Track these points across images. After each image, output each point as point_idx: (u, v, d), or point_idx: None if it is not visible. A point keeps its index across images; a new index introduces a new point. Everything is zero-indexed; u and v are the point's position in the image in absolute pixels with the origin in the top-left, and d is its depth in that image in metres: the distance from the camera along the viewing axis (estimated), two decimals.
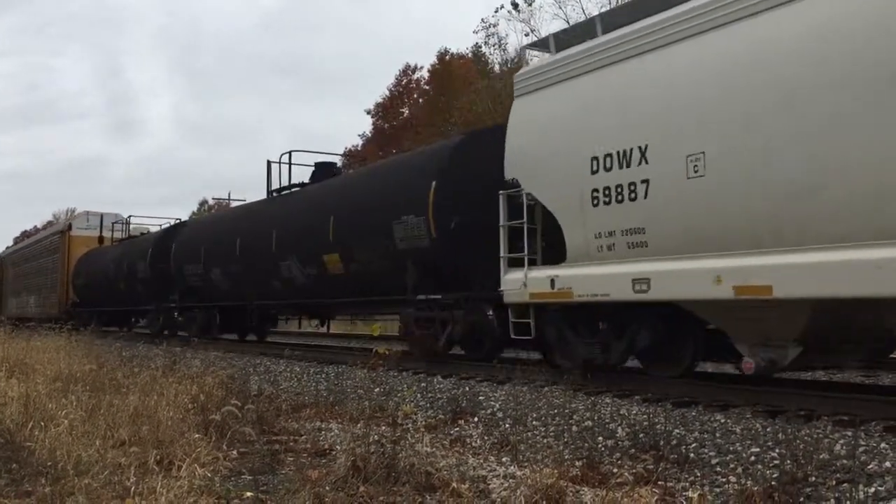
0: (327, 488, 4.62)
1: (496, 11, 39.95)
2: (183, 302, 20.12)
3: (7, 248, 61.31)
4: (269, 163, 17.19)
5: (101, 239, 29.89)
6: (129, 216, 29.57)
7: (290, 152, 16.93)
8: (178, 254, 19.95)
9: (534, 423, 6.84)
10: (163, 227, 24.48)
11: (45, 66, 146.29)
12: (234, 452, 5.70)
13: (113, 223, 29.70)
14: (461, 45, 69.23)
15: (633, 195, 7.48)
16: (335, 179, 15.70)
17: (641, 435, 5.96)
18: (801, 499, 4.44)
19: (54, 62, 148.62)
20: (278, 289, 15.36)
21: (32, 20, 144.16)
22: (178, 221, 23.97)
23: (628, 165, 7.54)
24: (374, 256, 12.06)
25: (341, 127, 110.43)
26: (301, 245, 14.15)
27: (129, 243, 25.57)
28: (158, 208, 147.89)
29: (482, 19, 50.59)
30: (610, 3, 37.20)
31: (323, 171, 16.42)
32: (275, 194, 17.04)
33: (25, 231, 79.27)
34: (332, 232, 13.08)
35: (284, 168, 16.87)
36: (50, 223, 69.80)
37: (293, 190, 16.49)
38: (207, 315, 19.07)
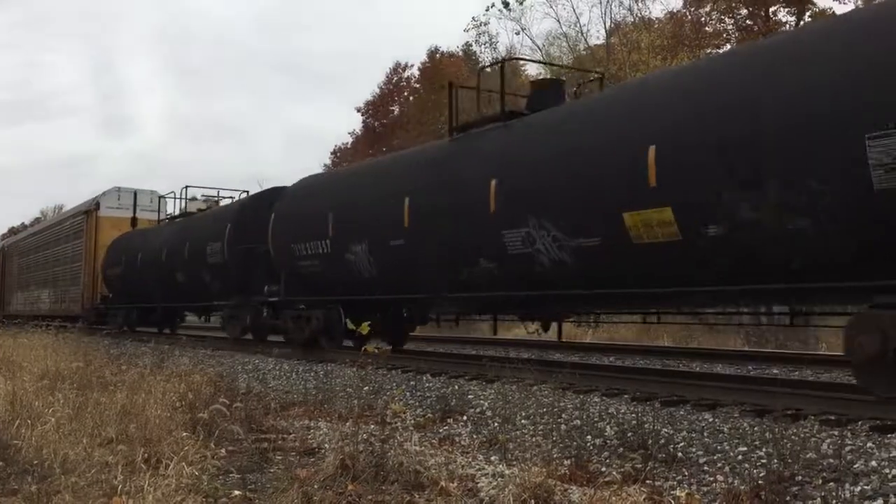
0: (316, 487, 4.60)
1: (487, 10, 39.91)
2: (291, 294, 14.30)
3: (4, 235, 59.55)
4: (450, 85, 12.76)
5: (133, 221, 25.11)
6: (186, 186, 22.95)
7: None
8: (282, 228, 14.32)
9: (522, 421, 6.85)
10: (240, 196, 19.47)
11: (37, 62, 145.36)
12: (223, 451, 5.67)
13: (152, 200, 25.24)
14: (452, 43, 69.11)
15: None
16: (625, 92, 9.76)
17: (630, 434, 5.97)
18: (788, 498, 4.46)
19: (46, 58, 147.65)
20: (492, 274, 9.90)
21: (24, 16, 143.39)
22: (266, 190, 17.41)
23: None
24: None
25: (335, 124, 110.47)
26: (568, 197, 8.72)
27: (190, 221, 20.44)
28: None
29: (473, 18, 50.55)
30: (601, 3, 37.30)
31: (550, 91, 10.92)
32: (473, 131, 11.07)
33: (12, 227, 78.55)
34: (653, 172, 7.63)
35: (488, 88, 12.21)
36: (37, 220, 68.98)
37: (530, 115, 10.26)
38: (328, 314, 13.18)
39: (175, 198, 23.11)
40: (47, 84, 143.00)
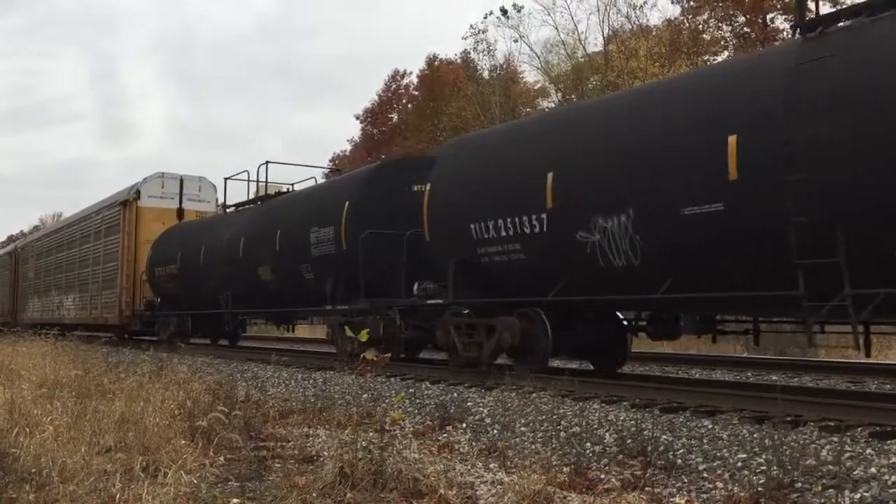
0: (314, 495, 4.59)
1: (485, 17, 40.10)
2: (463, 294, 10.32)
3: (3, 243, 57.51)
4: None
5: (180, 212, 21.77)
6: (267, 162, 18.12)
7: None
8: (447, 201, 10.51)
9: (522, 429, 6.84)
10: (331, 174, 16.65)
11: (37, 69, 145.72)
12: (221, 459, 5.66)
13: (201, 188, 22.04)
14: (451, 50, 69.29)
15: None
16: None
17: (629, 441, 5.97)
18: None
19: (46, 65, 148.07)
20: None
21: (24, 22, 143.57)
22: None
23: None
24: None
25: (335, 131, 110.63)
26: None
27: (281, 203, 16.25)
28: None
29: (471, 25, 50.69)
30: (599, 11, 37.39)
31: None
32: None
33: (11, 235, 78.50)
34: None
35: None
36: (36, 227, 68.81)
37: None
38: (527, 323, 9.31)
39: (247, 181, 18.23)
40: (47, 91, 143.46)
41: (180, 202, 21.85)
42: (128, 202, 21.92)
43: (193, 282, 17.98)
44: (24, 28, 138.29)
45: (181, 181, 21.90)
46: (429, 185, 10.90)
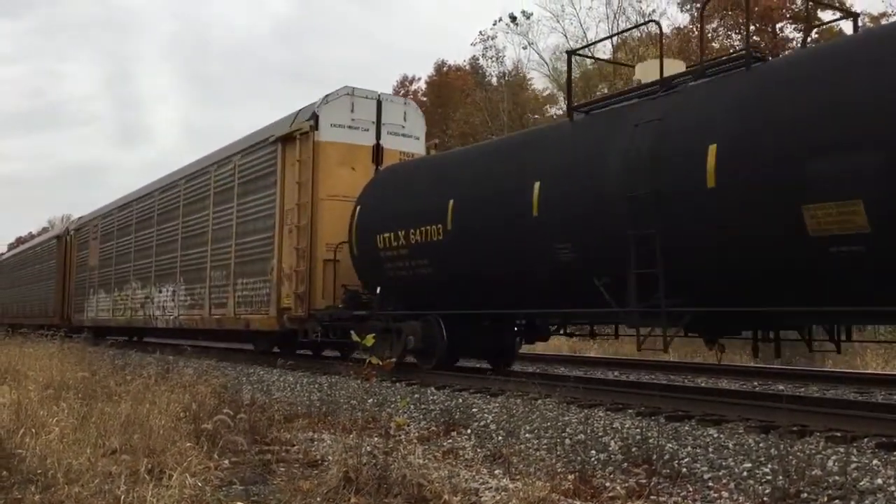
0: (319, 499, 4.60)
1: (494, 24, 40.19)
2: None
3: (11, 245, 54.99)
4: None
5: (377, 150, 13.90)
6: (572, 51, 14.91)
7: None
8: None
9: (527, 435, 6.83)
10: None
11: (53, 71, 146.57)
12: (226, 462, 5.68)
13: (407, 116, 14.41)
14: (459, 56, 69.36)
15: None
16: None
17: (634, 449, 5.96)
18: None
19: (62, 67, 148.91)
20: None
21: (40, 24, 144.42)
22: None
23: None
24: None
25: None
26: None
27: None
28: None
29: (480, 32, 50.86)
30: (608, 18, 37.44)
31: None
32: None
33: (20, 237, 78.71)
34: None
35: None
36: (45, 229, 68.63)
37: None
38: None
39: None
40: (63, 93, 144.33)
41: (377, 135, 14.06)
42: (295, 135, 13.83)
43: (469, 259, 10.04)
44: (42, 30, 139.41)
45: (378, 103, 14.21)
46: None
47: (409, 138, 14.55)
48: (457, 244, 10.19)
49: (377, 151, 14.05)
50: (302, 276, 13.33)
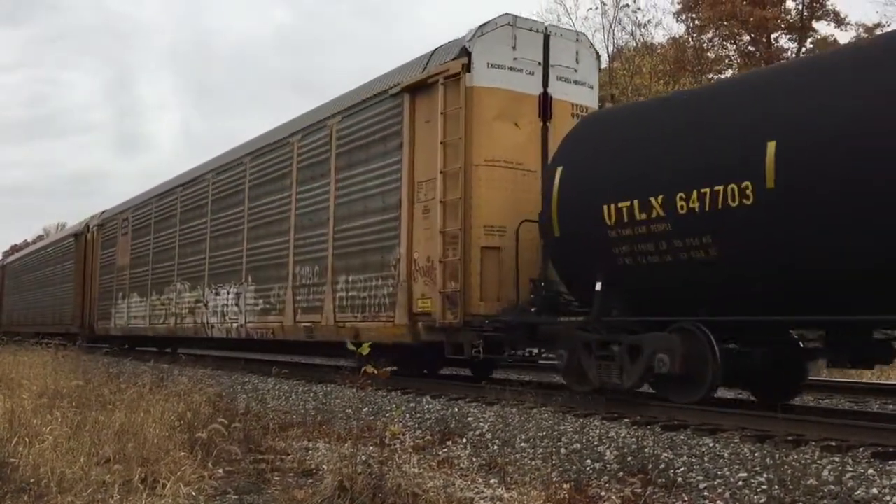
0: None
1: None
2: None
3: (6, 252, 52.39)
4: None
5: (545, 99, 10.40)
6: None
7: None
8: None
9: (522, 444, 6.82)
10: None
11: (54, 79, 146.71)
12: (220, 471, 5.66)
13: (579, 55, 10.73)
14: None
15: None
16: None
17: (630, 458, 5.95)
18: None
19: (63, 75, 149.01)
20: None
21: (43, 32, 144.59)
22: None
23: None
24: None
25: None
26: None
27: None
28: None
29: None
30: (604, 28, 37.56)
31: None
32: None
33: (14, 245, 78.46)
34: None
35: None
36: (40, 237, 68.43)
37: None
38: None
39: None
40: (62, 101, 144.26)
41: (545, 82, 10.58)
42: (432, 82, 10.45)
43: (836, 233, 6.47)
44: (42, 38, 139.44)
45: (545, 37, 10.68)
46: None
47: (581, 86, 10.99)
48: (781, 214, 6.62)
49: (544, 102, 10.57)
50: (452, 270, 9.81)
